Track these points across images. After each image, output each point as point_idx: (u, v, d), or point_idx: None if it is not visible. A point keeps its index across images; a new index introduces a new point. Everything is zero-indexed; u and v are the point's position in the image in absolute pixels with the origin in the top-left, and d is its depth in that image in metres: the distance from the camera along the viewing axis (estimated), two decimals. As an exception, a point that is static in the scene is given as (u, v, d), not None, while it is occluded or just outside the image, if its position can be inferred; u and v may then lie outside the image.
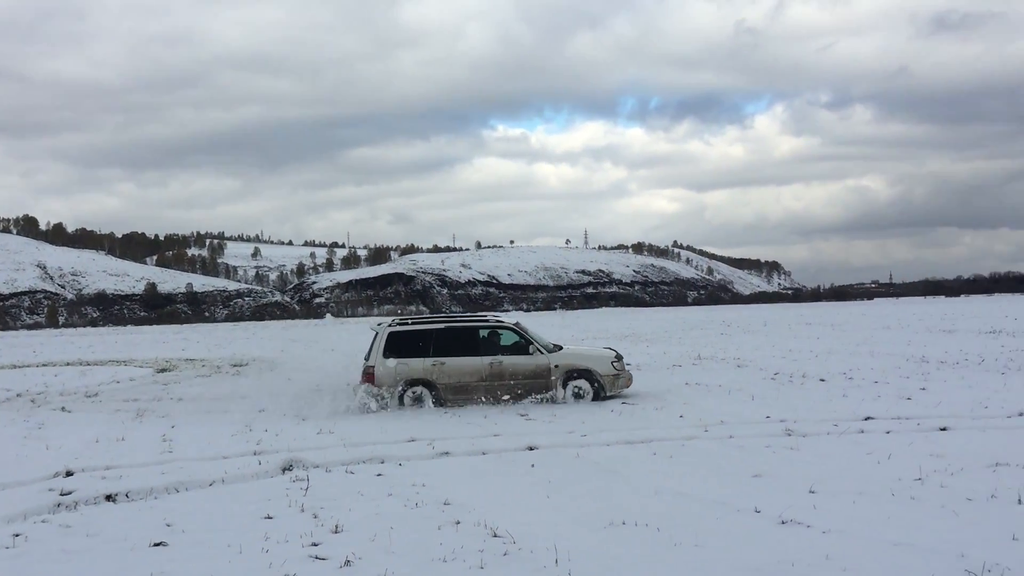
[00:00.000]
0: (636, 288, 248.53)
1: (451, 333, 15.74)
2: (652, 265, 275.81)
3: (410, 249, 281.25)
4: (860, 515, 6.92)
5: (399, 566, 5.92)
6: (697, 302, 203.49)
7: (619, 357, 16.12)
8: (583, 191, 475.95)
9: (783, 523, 6.71)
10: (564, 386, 15.44)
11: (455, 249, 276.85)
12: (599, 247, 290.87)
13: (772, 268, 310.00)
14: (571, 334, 43.30)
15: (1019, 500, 7.20)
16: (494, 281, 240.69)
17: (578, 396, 15.39)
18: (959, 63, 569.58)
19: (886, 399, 14.41)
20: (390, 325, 15.91)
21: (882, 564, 5.55)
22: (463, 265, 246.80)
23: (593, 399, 15.38)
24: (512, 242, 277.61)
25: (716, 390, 16.45)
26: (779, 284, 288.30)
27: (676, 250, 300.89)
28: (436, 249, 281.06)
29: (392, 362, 15.25)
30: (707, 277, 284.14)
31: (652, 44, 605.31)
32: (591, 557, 5.92)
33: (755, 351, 26.59)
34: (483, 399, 15.35)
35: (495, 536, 6.56)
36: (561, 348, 16.25)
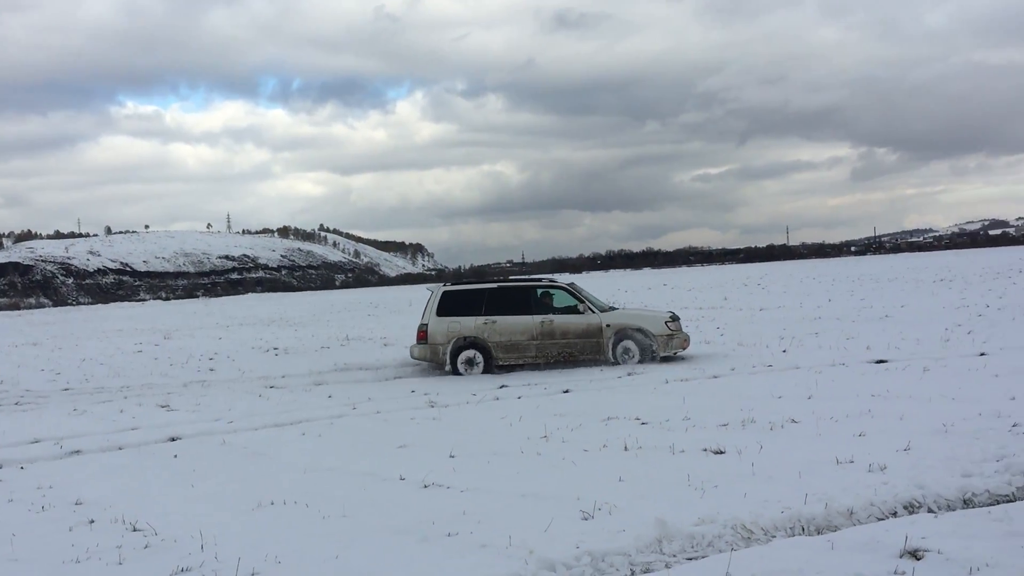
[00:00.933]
0: (283, 272, 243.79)
1: (504, 292, 15.95)
2: (299, 249, 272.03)
3: (26, 235, 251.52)
4: (494, 473, 7.54)
5: (25, 573, 5.46)
6: (345, 285, 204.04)
7: (674, 317, 15.90)
8: (224, 173, 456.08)
9: (425, 487, 7.12)
10: (615, 346, 15.30)
11: (81, 235, 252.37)
12: (243, 231, 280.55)
13: (417, 250, 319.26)
14: (215, 321, 41.63)
15: (625, 448, 8.22)
16: (128, 269, 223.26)
17: (627, 356, 15.24)
18: (578, 58, 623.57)
19: (518, 369, 15.66)
20: (444, 285, 16.43)
21: (511, 513, 6.12)
22: (91, 252, 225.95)
23: (641, 358, 15.16)
24: (147, 227, 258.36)
25: (366, 373, 16.78)
26: (423, 266, 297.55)
27: (323, 234, 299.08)
28: (59, 235, 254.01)
29: (445, 320, 15.74)
30: (355, 260, 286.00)
31: (292, 24, 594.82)
32: (239, 538, 5.88)
33: (401, 330, 27.39)
34: (535, 358, 15.58)
35: (135, 530, 6.26)
36: (615, 309, 16.23)
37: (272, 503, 6.83)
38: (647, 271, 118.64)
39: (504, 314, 15.67)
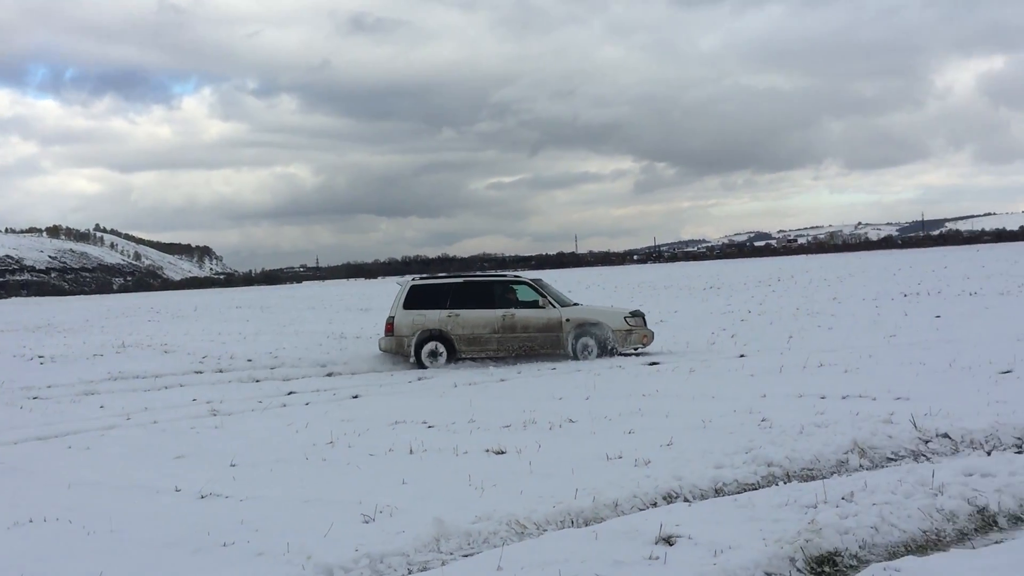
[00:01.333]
0: (53, 275, 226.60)
1: (469, 287, 16.39)
2: (71, 250, 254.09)
3: None
4: (276, 481, 7.43)
5: None
6: (124, 289, 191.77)
7: (635, 314, 15.78)
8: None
9: (203, 497, 6.92)
10: (575, 340, 15.21)
11: None
12: (7, 230, 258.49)
13: (204, 253, 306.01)
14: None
15: (411, 451, 8.33)
16: None
17: (586, 350, 15.21)
18: (375, 63, 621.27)
19: (309, 375, 15.47)
20: (413, 279, 16.79)
21: (291, 520, 6.07)
22: None
23: (599, 354, 15.10)
24: None
25: (144, 381, 15.99)
26: (211, 269, 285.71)
27: (99, 234, 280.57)
28: None
29: (411, 313, 16.07)
30: (135, 263, 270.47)
31: (64, 9, 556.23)
32: (-9, 560, 5.49)
33: (184, 336, 26.22)
34: (496, 351, 15.84)
35: None
36: (578, 305, 16.14)
37: (31, 520, 6.41)
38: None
39: (468, 308, 16.01)
